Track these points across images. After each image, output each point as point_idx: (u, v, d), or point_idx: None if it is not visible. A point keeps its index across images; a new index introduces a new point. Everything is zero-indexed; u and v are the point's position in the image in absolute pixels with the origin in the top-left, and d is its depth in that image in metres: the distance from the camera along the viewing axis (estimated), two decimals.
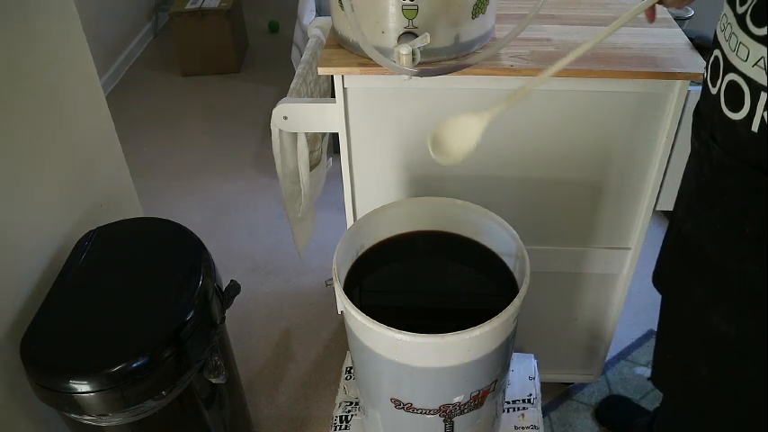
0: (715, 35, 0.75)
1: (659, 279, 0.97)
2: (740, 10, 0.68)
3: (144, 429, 1.04)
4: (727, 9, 0.72)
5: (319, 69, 1.03)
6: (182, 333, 0.99)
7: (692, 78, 1.00)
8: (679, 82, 1.02)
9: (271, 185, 2.37)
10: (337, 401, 1.23)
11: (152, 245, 1.18)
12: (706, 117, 0.76)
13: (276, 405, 1.60)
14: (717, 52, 0.73)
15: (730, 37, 0.69)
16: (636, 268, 1.28)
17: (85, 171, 1.31)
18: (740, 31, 0.67)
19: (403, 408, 0.95)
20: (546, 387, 1.50)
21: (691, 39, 1.08)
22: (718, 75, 0.71)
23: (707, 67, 0.77)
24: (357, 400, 1.22)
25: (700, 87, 1.03)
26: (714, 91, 0.72)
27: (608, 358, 1.62)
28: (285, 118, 1.10)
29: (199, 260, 1.11)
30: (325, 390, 1.64)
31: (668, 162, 1.12)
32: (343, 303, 0.88)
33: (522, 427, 1.17)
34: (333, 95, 1.08)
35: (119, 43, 3.21)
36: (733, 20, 0.69)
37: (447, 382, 0.91)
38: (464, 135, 0.84)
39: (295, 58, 2.20)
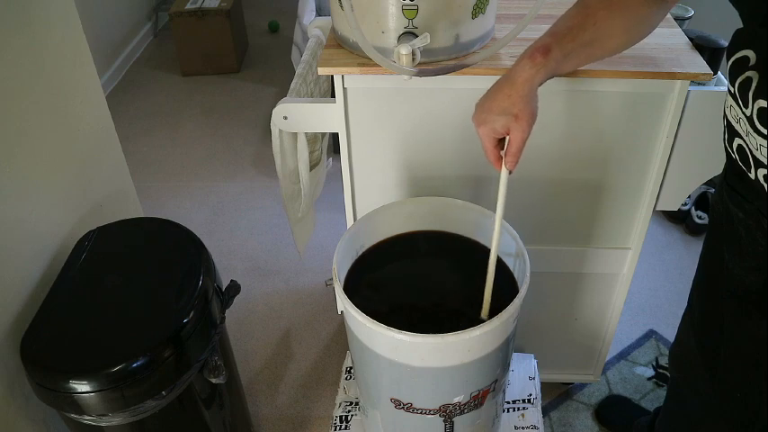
0: (727, 119, 0.74)
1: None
2: (747, 112, 0.68)
3: (144, 429, 1.04)
4: (731, 100, 0.72)
5: (319, 69, 1.03)
6: (182, 333, 0.99)
7: (691, 78, 1.00)
8: (679, 82, 1.02)
9: (271, 185, 2.37)
10: (337, 401, 1.23)
11: (152, 245, 1.18)
12: (747, 192, 0.75)
13: (276, 405, 1.60)
14: (739, 141, 0.72)
15: (748, 135, 0.69)
16: (636, 268, 1.28)
17: (85, 171, 1.31)
18: (756, 134, 0.67)
19: (403, 408, 0.95)
20: (546, 387, 1.50)
21: (691, 39, 1.08)
22: (750, 165, 0.71)
23: (731, 144, 0.75)
24: (357, 400, 1.22)
25: (700, 87, 1.04)
26: (752, 176, 0.71)
27: (608, 358, 1.62)
28: (285, 118, 1.10)
29: (199, 260, 1.11)
30: (325, 390, 1.64)
31: (668, 162, 1.12)
32: (343, 303, 0.88)
33: (522, 427, 1.17)
34: (333, 95, 1.08)
35: (119, 43, 3.21)
36: (742, 117, 0.69)
37: (447, 382, 0.91)
38: None
39: (295, 58, 2.21)
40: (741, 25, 0.71)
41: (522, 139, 0.82)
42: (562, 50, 0.81)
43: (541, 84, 0.82)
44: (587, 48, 0.83)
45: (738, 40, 0.70)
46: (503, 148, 0.86)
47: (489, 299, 0.93)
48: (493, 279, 0.92)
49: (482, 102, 0.85)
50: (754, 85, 0.66)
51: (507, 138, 0.84)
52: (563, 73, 0.84)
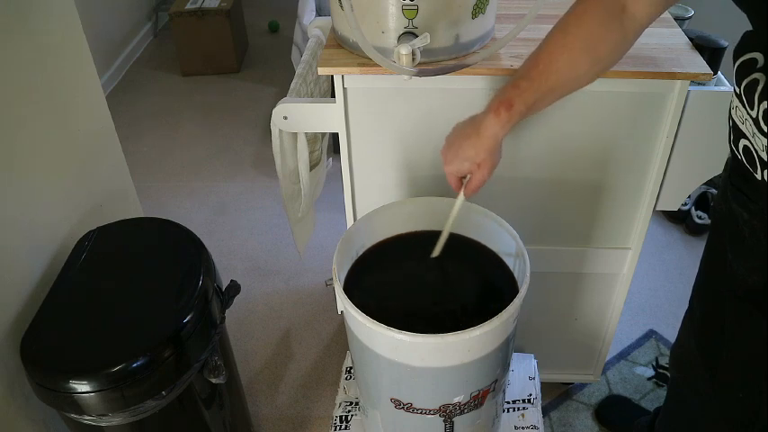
0: (733, 120, 0.74)
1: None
2: (753, 114, 0.68)
3: (144, 429, 1.04)
4: (737, 101, 0.72)
5: (319, 69, 1.03)
6: (182, 333, 0.99)
7: (691, 78, 1.00)
8: (679, 82, 1.02)
9: (271, 185, 2.37)
10: (337, 401, 1.23)
11: (152, 245, 1.18)
12: (753, 192, 0.75)
13: (276, 405, 1.60)
14: (745, 142, 0.72)
15: (754, 136, 0.69)
16: (636, 268, 1.28)
17: (85, 171, 1.31)
18: (761, 135, 0.67)
19: (403, 408, 0.95)
20: (546, 387, 1.50)
21: (691, 39, 1.08)
22: (757, 166, 0.71)
23: (737, 145, 0.75)
24: (357, 400, 1.22)
25: (700, 87, 1.04)
26: (759, 176, 0.71)
27: (608, 358, 1.62)
28: (285, 118, 1.10)
29: (199, 260, 1.11)
30: (325, 390, 1.64)
31: (668, 162, 1.12)
32: (343, 303, 0.88)
33: (522, 427, 1.17)
34: (333, 95, 1.08)
35: (119, 43, 3.21)
36: (748, 118, 0.69)
37: (447, 382, 0.91)
38: None
39: (295, 58, 2.21)
40: (741, 26, 0.71)
41: (482, 181, 0.92)
42: (525, 103, 0.84)
43: (506, 134, 0.88)
44: (552, 93, 0.85)
45: (747, 42, 0.70)
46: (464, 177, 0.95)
47: (444, 240, 1.00)
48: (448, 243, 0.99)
49: (451, 143, 0.93)
50: (760, 87, 0.66)
51: (469, 175, 0.93)
52: (531, 115, 0.88)
